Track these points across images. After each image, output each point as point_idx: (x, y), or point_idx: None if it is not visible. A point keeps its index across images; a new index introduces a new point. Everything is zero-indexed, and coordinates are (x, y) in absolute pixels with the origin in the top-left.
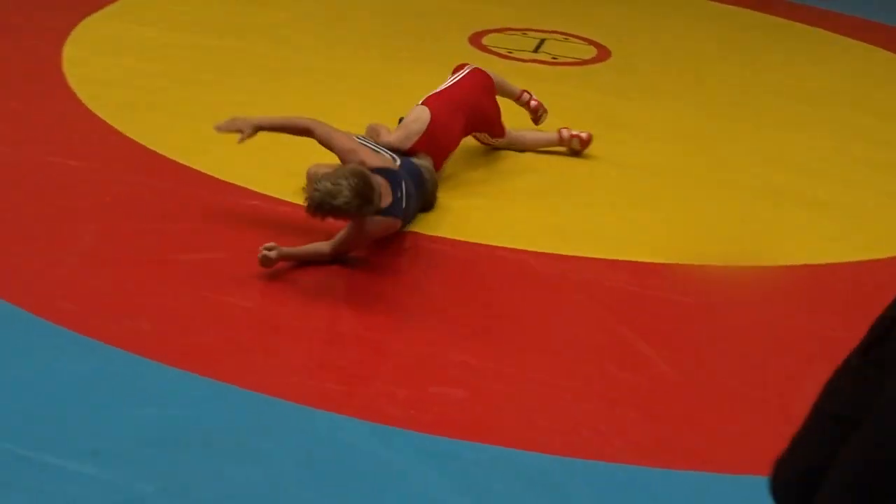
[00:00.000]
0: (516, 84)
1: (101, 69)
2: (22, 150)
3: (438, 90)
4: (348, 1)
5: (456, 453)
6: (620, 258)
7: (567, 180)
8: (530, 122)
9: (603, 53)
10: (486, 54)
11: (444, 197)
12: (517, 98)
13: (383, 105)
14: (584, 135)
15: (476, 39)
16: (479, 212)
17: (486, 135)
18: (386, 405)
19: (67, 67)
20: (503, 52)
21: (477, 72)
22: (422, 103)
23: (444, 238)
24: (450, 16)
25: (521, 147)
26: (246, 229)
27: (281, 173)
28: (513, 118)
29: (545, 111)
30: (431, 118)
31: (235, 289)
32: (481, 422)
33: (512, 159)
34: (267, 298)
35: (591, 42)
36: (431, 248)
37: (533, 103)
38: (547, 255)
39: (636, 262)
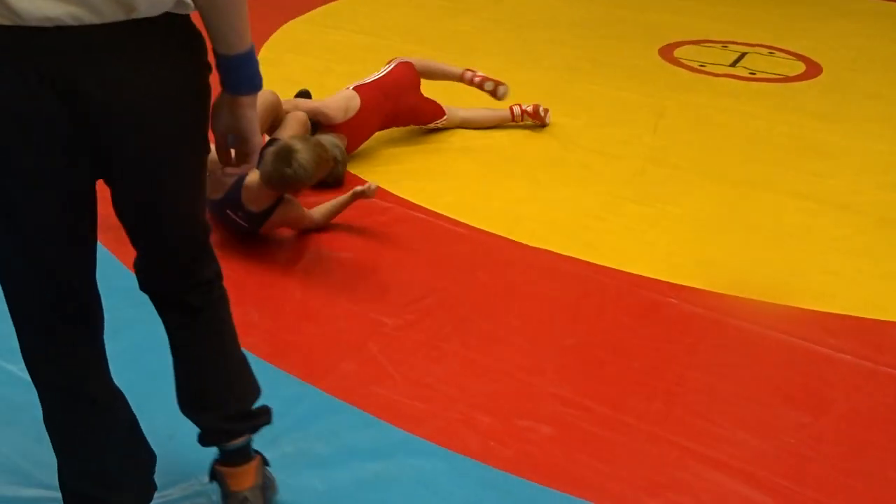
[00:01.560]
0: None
1: (289, 68)
2: None
3: (367, 81)
4: (539, 9)
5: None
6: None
7: (750, 212)
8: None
9: (812, 70)
10: (674, 66)
11: (596, 217)
12: (460, 78)
13: (555, 116)
14: (530, 108)
15: (668, 51)
16: (646, 242)
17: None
18: (465, 432)
19: (262, 67)
20: (695, 65)
21: (403, 65)
22: (352, 89)
23: (598, 265)
24: (644, 27)
25: (476, 125)
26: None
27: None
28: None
29: (500, 84)
30: (361, 106)
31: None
32: (565, 469)
33: (677, 187)
34: (368, 302)
35: (800, 57)
36: (562, 268)
37: (477, 79)
38: (707, 294)
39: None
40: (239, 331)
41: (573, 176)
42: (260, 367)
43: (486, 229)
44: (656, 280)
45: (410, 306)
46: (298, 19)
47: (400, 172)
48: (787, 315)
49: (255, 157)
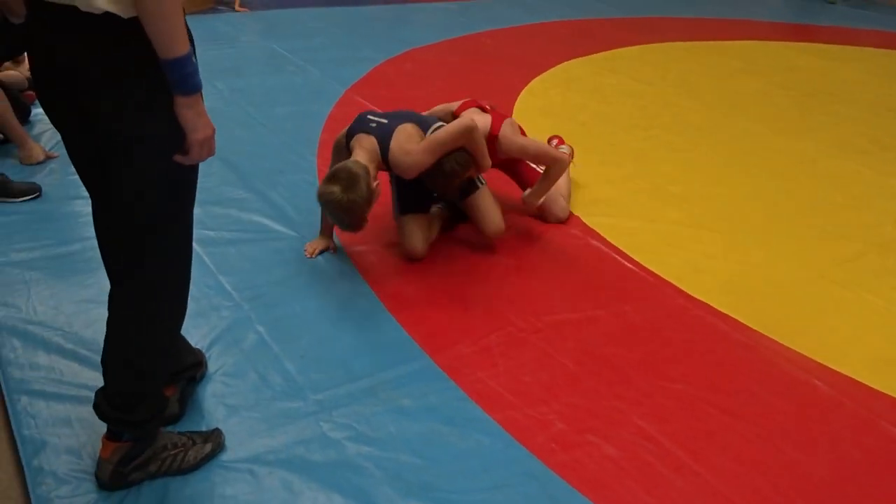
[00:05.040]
0: None
1: (547, 99)
2: None
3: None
4: (838, 83)
5: None
6: None
7: None
8: None
9: None
10: None
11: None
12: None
13: (796, 190)
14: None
15: None
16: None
17: None
18: (535, 429)
19: (523, 95)
20: None
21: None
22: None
23: (750, 328)
24: None
25: None
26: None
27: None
28: None
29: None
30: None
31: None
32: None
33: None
34: (510, 304)
35: None
36: (711, 322)
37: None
38: None
39: None
40: (395, 302)
41: (780, 248)
42: (397, 333)
43: (658, 273)
44: (813, 361)
45: (544, 318)
46: (581, 59)
47: (606, 210)
48: None
49: (197, 151)
